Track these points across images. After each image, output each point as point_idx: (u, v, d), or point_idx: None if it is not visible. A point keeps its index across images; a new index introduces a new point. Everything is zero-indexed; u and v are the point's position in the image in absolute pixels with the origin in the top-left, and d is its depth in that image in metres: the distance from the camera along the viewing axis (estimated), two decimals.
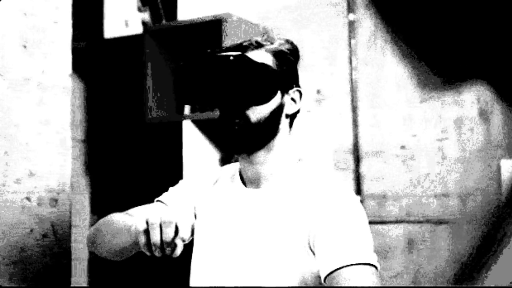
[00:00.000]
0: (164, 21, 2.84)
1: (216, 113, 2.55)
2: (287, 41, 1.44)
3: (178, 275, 2.73)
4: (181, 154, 2.59)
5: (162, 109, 2.78)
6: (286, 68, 1.41)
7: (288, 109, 1.42)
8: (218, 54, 1.35)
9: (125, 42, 2.93)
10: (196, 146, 2.61)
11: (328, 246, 1.25)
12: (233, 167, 1.54)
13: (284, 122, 1.42)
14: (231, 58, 1.32)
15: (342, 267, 1.21)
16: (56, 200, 1.96)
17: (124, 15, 2.93)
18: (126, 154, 3.02)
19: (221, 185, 1.51)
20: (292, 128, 1.46)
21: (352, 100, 2.75)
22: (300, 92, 1.44)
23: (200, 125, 2.64)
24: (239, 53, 1.34)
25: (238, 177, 1.47)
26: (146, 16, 2.91)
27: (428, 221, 2.59)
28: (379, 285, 1.21)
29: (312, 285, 1.30)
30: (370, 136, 2.73)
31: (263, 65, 1.35)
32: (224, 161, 2.69)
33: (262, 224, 1.36)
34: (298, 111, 1.45)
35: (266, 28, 2.79)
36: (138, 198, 1.58)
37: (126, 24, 2.92)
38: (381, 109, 2.71)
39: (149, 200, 1.56)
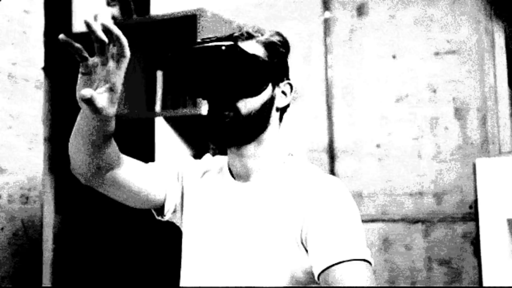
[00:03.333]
0: (134, 16, 2.79)
1: (187, 110, 2.54)
2: (277, 33, 1.42)
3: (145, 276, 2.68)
4: (154, 151, 2.56)
5: (132, 106, 2.74)
6: (277, 60, 1.39)
7: (279, 102, 1.40)
8: (209, 44, 1.31)
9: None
10: (168, 143, 2.59)
11: (321, 242, 1.23)
12: (221, 160, 1.51)
13: (274, 115, 1.40)
14: (223, 48, 1.29)
15: (336, 264, 1.20)
16: (27, 197, 1.89)
17: (94, 9, 2.86)
18: None
19: (210, 177, 1.48)
20: (282, 122, 1.43)
21: (327, 99, 2.75)
22: (291, 85, 1.42)
23: (173, 122, 2.61)
24: (231, 43, 1.30)
25: (227, 170, 1.44)
26: (115, 10, 2.85)
27: (403, 220, 2.60)
28: (374, 280, 1.20)
29: (303, 281, 1.29)
30: (345, 135, 2.73)
31: (255, 56, 1.33)
32: (196, 158, 2.65)
33: (252, 219, 1.34)
34: (288, 105, 1.43)
35: (240, 25, 2.77)
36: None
37: (95, 19, 2.85)
38: (356, 108, 2.72)
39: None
